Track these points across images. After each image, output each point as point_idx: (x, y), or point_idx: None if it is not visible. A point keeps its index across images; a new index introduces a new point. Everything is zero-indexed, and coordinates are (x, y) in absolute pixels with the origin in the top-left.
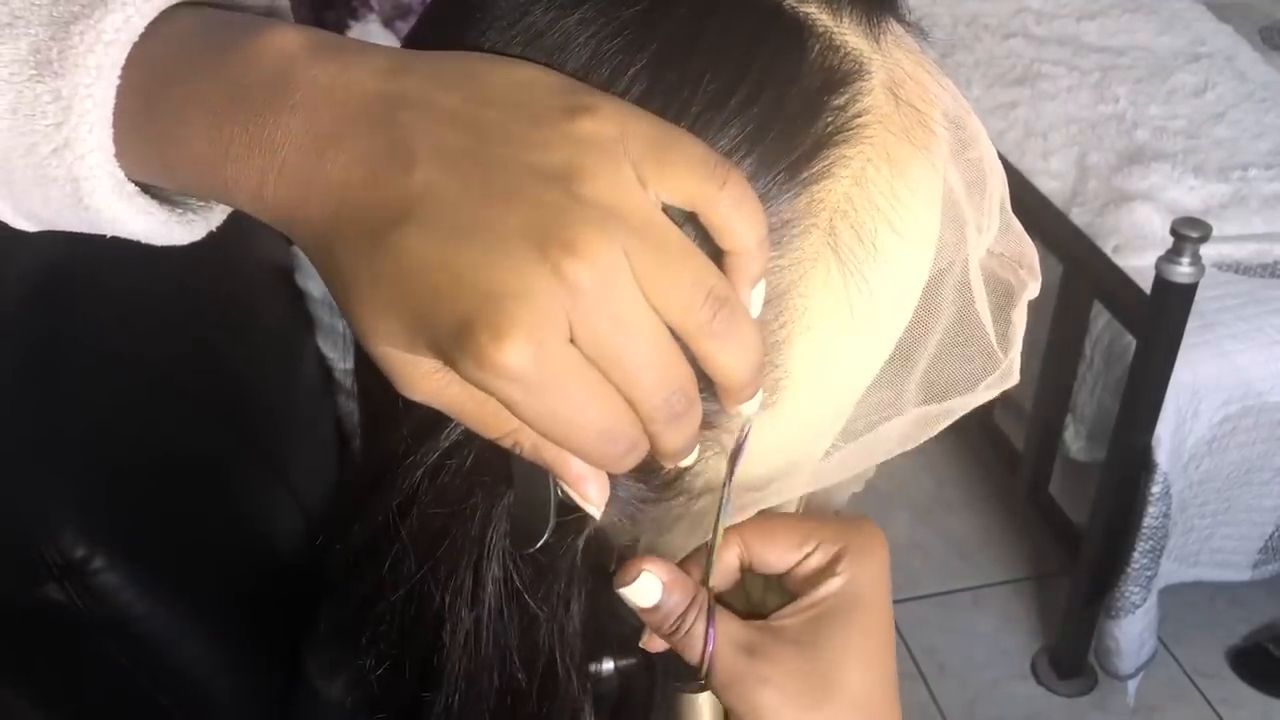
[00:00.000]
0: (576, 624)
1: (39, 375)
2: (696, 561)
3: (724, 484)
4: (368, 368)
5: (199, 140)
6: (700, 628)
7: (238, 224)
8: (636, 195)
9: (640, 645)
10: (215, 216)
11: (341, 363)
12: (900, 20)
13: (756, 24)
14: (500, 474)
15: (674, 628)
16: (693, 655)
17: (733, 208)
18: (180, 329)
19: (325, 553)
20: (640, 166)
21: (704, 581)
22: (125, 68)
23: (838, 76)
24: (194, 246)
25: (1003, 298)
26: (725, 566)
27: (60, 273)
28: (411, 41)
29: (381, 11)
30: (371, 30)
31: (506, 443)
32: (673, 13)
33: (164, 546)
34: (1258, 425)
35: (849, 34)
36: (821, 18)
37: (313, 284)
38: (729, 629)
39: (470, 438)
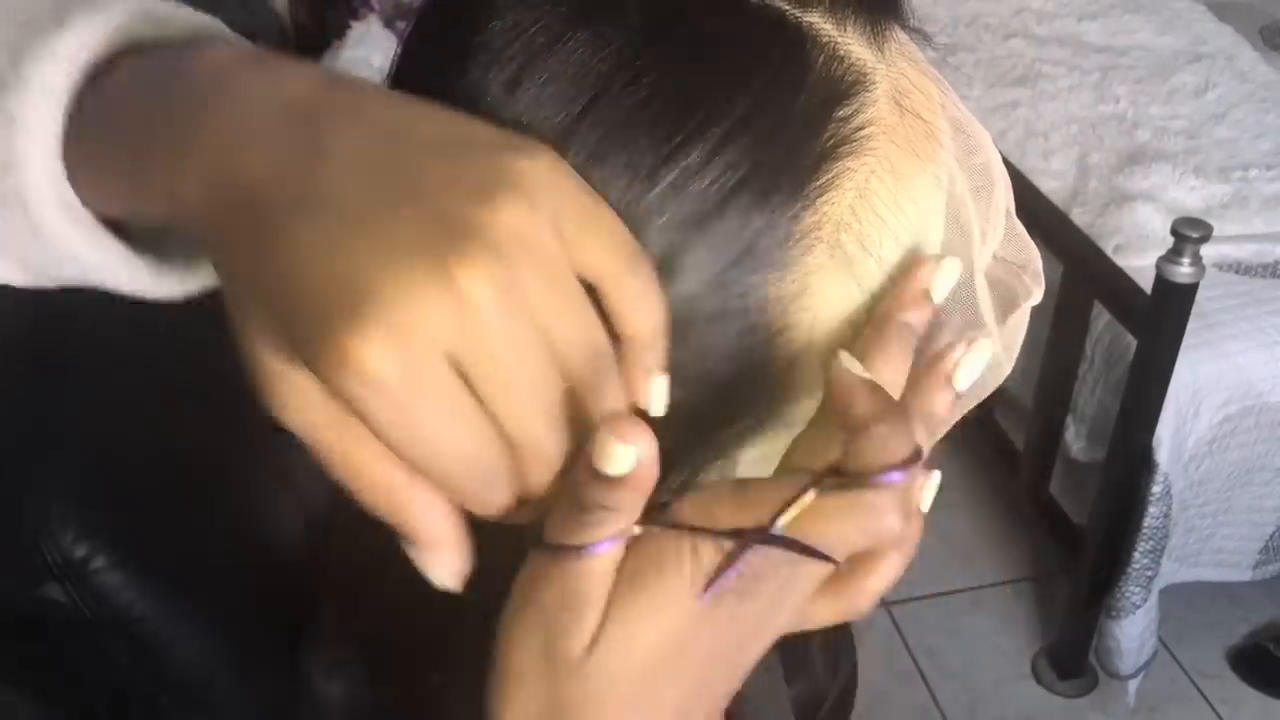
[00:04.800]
0: None
1: (40, 375)
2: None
3: None
4: None
5: (133, 154)
6: None
7: None
8: (547, 235)
9: None
10: (192, 280)
11: None
12: (904, 27)
13: (759, 36)
14: None
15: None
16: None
17: (637, 293)
18: (182, 328)
19: (326, 553)
20: (560, 224)
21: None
22: (87, 96)
23: (842, 88)
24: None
25: (1006, 303)
26: None
27: None
28: (403, 53)
29: (382, 11)
30: (372, 29)
31: (354, 487)
32: (672, 25)
33: (165, 546)
34: (1258, 425)
35: (853, 43)
36: (825, 27)
37: None
38: None
39: None
